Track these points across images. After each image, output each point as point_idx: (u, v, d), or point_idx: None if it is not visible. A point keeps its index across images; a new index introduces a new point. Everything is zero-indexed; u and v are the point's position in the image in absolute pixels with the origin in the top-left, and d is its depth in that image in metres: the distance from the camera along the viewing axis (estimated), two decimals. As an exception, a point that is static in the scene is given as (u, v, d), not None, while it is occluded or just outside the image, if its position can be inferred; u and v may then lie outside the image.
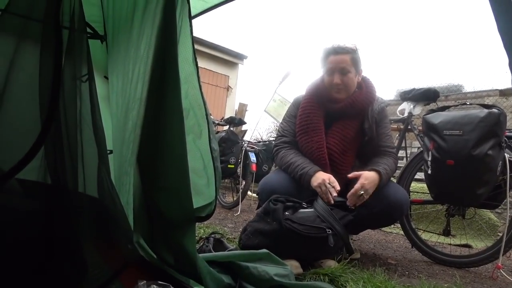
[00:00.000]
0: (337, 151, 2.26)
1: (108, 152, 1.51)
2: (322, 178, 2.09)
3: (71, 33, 1.35)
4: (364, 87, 2.37)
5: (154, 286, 0.95)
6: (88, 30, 1.55)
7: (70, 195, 1.33)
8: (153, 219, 1.10)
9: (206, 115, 1.15)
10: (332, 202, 2.02)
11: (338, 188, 2.06)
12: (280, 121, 2.73)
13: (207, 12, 1.63)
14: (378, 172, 2.12)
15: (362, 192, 2.03)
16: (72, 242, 1.28)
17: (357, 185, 2.05)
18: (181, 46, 1.10)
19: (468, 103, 2.59)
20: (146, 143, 1.03)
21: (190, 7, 1.12)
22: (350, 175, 2.14)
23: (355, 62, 2.28)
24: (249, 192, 4.70)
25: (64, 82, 1.28)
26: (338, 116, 2.33)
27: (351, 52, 2.27)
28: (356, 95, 2.31)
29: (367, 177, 2.08)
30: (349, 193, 2.06)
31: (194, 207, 1.08)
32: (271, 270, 1.34)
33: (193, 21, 1.26)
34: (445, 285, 1.86)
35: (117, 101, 1.43)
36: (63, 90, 1.28)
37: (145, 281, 0.95)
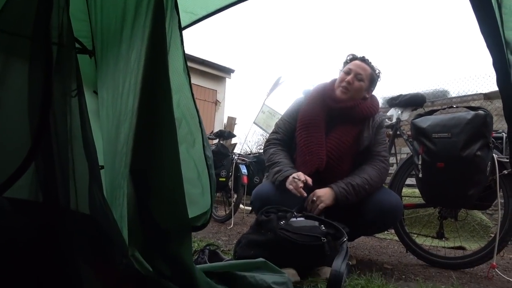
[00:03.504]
0: (333, 157, 2.28)
1: (99, 167, 1.50)
2: (291, 177, 2.17)
3: (60, 48, 1.35)
4: (369, 100, 2.42)
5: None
6: (77, 45, 1.55)
7: (62, 213, 1.31)
8: (148, 230, 1.09)
9: (200, 123, 1.15)
10: (305, 195, 2.12)
11: (302, 178, 2.13)
12: (270, 133, 2.74)
13: (196, 24, 1.64)
14: (330, 186, 2.18)
15: (314, 198, 2.13)
16: (66, 260, 1.26)
17: (310, 195, 2.16)
18: (172, 57, 1.11)
19: (455, 106, 2.62)
20: (139, 154, 1.03)
21: (180, 19, 1.13)
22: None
23: (372, 79, 2.40)
24: (241, 205, 4.68)
25: (54, 98, 1.28)
26: (338, 120, 2.35)
27: (374, 70, 2.41)
28: (359, 102, 2.35)
29: (318, 190, 2.18)
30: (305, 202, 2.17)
31: (190, 216, 1.07)
32: (268, 278, 1.33)
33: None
34: (442, 287, 1.87)
35: (107, 115, 1.43)
36: (53, 106, 1.27)
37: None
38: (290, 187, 2.14)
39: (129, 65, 1.13)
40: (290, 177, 2.17)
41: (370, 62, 2.41)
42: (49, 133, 1.20)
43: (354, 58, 2.43)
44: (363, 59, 2.40)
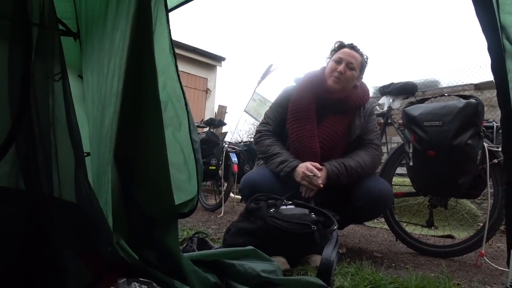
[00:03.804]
0: (325, 148, 2.26)
1: (85, 154, 1.46)
2: (301, 170, 2.13)
3: (41, 29, 1.29)
4: (360, 88, 2.40)
5: (135, 283, 0.90)
6: (61, 27, 1.49)
7: (45, 201, 1.27)
8: (133, 217, 1.05)
9: (186, 105, 1.11)
10: (321, 186, 2.10)
11: (318, 174, 2.12)
12: (259, 123, 2.70)
13: (183, 5, 1.59)
14: (323, 165, 2.18)
15: (311, 174, 2.10)
16: (50, 249, 1.23)
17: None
18: (157, 37, 1.06)
19: (446, 94, 2.61)
20: (123, 139, 0.99)
21: (166, -3, 1.09)
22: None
23: (362, 67, 2.36)
24: (231, 194, 4.65)
25: (35, 81, 1.23)
26: (330, 110, 2.33)
27: (363, 57, 2.36)
28: (351, 92, 2.33)
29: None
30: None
31: (176, 203, 1.04)
32: (257, 266, 1.31)
33: (170, 20, 1.22)
34: (432, 275, 1.87)
35: (92, 99, 1.38)
36: (34, 89, 1.22)
37: (125, 279, 0.91)
38: (304, 182, 2.13)
39: (113, 45, 1.09)
40: (300, 171, 2.14)
41: (359, 49, 2.36)
42: (30, 115, 1.15)
43: (342, 45, 2.37)
44: (352, 47, 2.35)
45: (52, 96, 1.28)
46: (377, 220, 3.94)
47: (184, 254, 1.28)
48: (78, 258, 1.30)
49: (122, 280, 0.91)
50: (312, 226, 1.80)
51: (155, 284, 0.94)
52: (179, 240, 1.89)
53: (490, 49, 1.09)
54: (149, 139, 0.96)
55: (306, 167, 2.13)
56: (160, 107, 0.94)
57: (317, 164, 2.15)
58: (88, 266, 1.28)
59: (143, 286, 0.91)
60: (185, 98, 1.13)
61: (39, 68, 1.25)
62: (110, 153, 1.01)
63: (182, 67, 11.52)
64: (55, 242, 1.23)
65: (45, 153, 1.24)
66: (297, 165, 2.16)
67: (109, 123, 1.08)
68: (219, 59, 12.49)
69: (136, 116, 0.97)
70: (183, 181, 1.14)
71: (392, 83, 3.02)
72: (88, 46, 1.36)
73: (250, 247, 1.46)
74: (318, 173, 2.10)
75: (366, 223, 3.84)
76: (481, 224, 2.56)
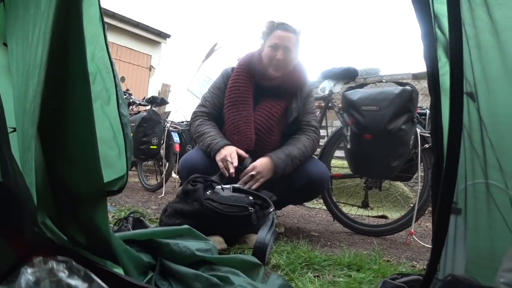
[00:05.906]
0: (263, 130, 2.26)
1: (11, 130, 1.35)
2: (224, 153, 2.12)
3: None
4: (298, 70, 2.38)
5: (52, 262, 0.85)
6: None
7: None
8: (59, 196, 0.99)
9: (115, 77, 1.05)
10: (233, 175, 2.07)
11: (235, 164, 2.09)
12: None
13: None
14: (269, 156, 2.16)
15: (254, 172, 2.09)
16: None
17: (249, 167, 2.11)
18: (86, 3, 0.99)
19: (384, 81, 2.71)
20: (47, 112, 0.92)
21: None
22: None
23: (297, 43, 2.33)
24: (173, 174, 4.58)
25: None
26: (267, 93, 2.32)
27: (297, 34, 2.31)
28: (289, 76, 2.31)
29: (258, 163, 2.13)
30: (241, 174, 2.12)
31: (105, 180, 0.99)
32: (192, 245, 1.30)
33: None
34: (364, 252, 1.95)
35: (17, 69, 1.28)
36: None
37: (41, 257, 0.85)
38: (220, 164, 2.11)
39: (39, 10, 1.00)
40: (223, 153, 2.13)
41: (291, 27, 2.31)
42: None
43: (274, 27, 2.31)
44: (285, 28, 2.29)
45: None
46: (316, 201, 4.05)
47: (117, 233, 1.24)
48: (2, 239, 1.22)
49: (38, 259, 0.85)
50: (250, 208, 1.79)
51: (74, 262, 0.90)
52: (116, 220, 1.84)
53: (423, 37, 1.12)
54: (76, 113, 0.90)
55: (230, 153, 2.12)
56: (88, 78, 0.88)
57: (243, 152, 2.15)
58: (12, 247, 1.21)
59: (61, 264, 0.86)
60: (113, 70, 1.06)
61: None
62: (33, 127, 0.94)
63: (124, 42, 11.08)
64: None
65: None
66: (223, 146, 2.16)
67: (33, 95, 1.00)
68: (164, 35, 12.09)
69: (61, 88, 0.90)
70: (113, 157, 1.09)
71: (334, 68, 3.07)
72: (12, 10, 1.25)
73: (186, 226, 1.44)
74: (235, 163, 2.09)
75: (306, 204, 3.94)
76: (412, 205, 2.71)
